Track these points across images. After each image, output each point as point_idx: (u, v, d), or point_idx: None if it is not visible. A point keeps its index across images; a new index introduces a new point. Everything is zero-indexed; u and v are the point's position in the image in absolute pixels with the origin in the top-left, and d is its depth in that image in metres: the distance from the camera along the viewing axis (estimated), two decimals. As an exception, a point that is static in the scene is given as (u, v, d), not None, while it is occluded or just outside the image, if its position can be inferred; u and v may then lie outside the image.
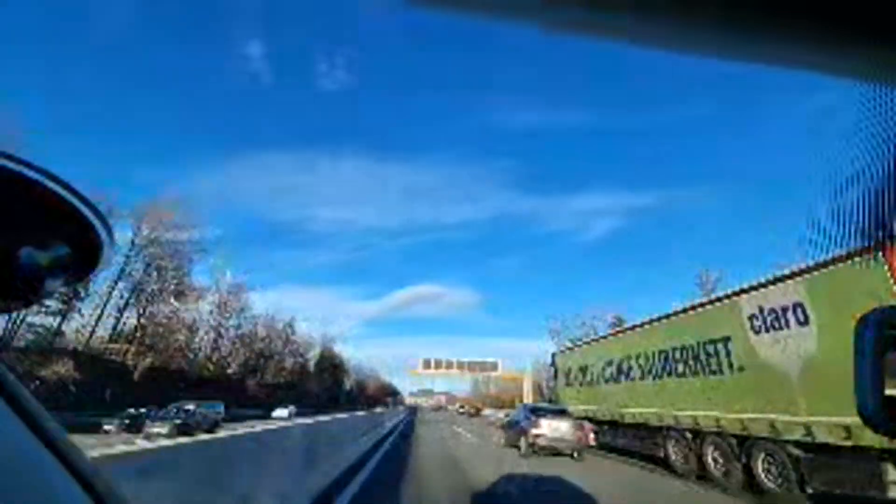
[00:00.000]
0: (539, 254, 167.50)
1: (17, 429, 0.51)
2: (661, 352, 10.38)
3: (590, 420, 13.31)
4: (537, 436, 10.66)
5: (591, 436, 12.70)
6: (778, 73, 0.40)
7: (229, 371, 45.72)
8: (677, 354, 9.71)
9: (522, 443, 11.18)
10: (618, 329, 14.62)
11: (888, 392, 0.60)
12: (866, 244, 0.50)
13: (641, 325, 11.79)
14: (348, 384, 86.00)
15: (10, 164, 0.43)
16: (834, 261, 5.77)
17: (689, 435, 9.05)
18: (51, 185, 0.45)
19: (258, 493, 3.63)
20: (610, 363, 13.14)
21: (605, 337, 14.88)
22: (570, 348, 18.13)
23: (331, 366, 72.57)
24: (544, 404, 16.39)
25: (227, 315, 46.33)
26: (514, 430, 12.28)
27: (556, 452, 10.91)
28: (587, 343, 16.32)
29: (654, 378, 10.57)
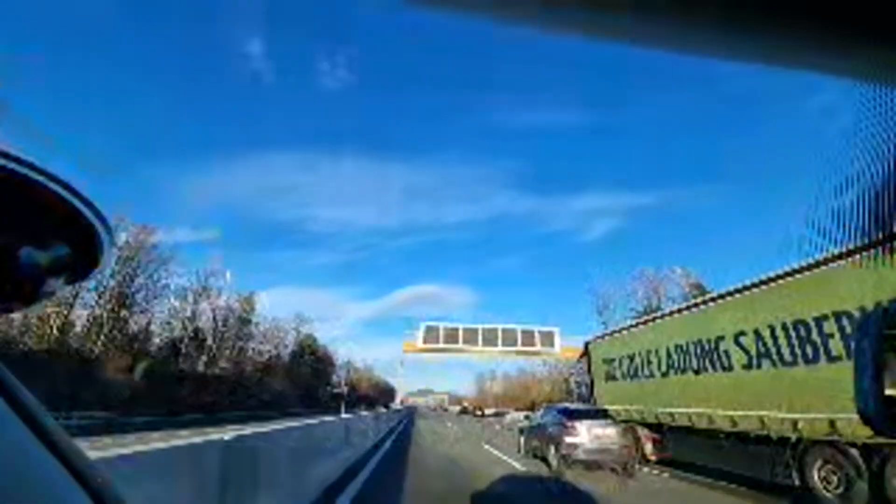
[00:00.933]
0: (539, 254, 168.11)
1: (18, 428, 0.51)
2: (793, 325, 6.71)
3: (645, 426, 10.40)
4: (573, 445, 8.37)
5: (650, 447, 10.13)
6: (778, 73, 0.40)
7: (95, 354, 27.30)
8: (829, 326, 6.08)
9: (552, 454, 8.85)
10: (696, 301, 10.21)
11: (888, 392, 0.60)
12: (866, 244, 0.50)
13: (746, 289, 7.87)
14: (336, 381, 73.39)
15: (11, 164, 0.43)
16: None
17: (856, 454, 5.92)
18: (51, 185, 0.45)
19: None
20: (684, 348, 9.33)
21: (670, 314, 10.62)
22: (611, 333, 13.79)
23: (311, 358, 58.07)
24: (579, 405, 12.79)
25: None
26: (540, 437, 9.87)
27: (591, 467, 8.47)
28: (638, 325, 12.09)
29: (775, 364, 7.07)
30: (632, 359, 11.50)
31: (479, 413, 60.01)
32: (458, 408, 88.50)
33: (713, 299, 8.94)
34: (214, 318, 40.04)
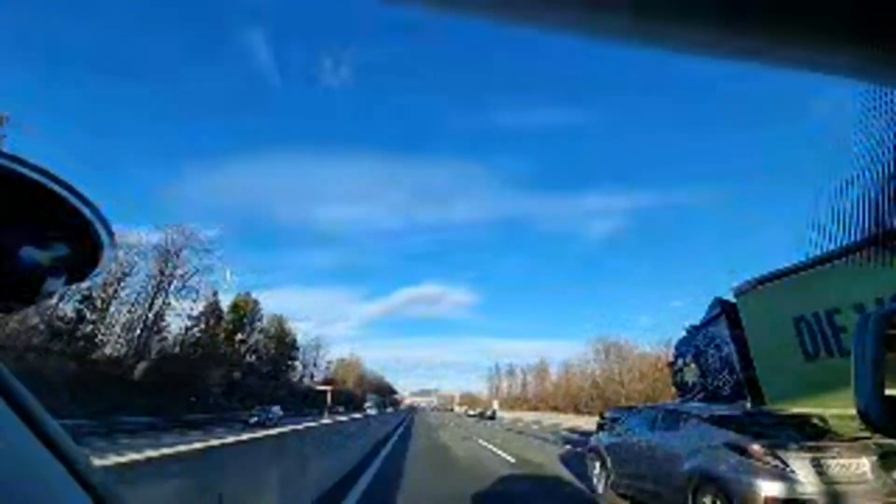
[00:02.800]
0: (541, 254, 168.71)
1: (17, 429, 0.51)
2: None
3: None
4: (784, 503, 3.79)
5: None
6: (779, 73, 0.40)
7: None
8: None
9: None
10: None
11: (888, 392, 0.60)
12: (866, 244, 0.50)
13: None
14: (301, 377, 52.19)
15: (11, 164, 0.43)
16: None
17: None
18: (51, 184, 0.45)
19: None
20: None
21: None
22: (818, 263, 6.03)
23: (229, 330, 33.77)
24: (744, 410, 6.79)
25: None
26: (667, 472, 5.03)
27: None
28: None
29: None
30: None
31: (487, 416, 35.76)
32: (463, 408, 64.45)
33: None
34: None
